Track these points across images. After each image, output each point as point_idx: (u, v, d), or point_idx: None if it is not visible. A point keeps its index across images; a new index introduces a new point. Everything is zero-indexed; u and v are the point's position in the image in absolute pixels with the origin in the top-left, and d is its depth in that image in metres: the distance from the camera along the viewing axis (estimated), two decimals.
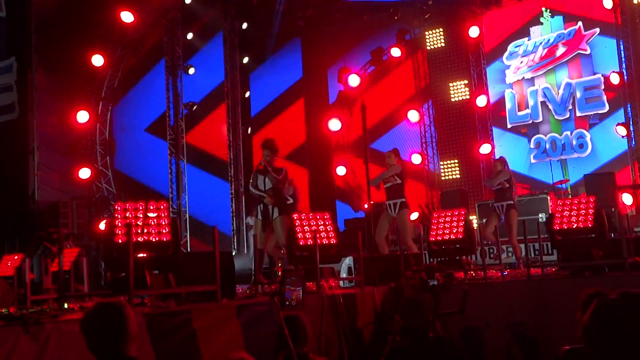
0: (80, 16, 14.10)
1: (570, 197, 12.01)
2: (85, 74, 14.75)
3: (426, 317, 4.83)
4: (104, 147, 15.45)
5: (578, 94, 14.04)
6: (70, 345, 4.14)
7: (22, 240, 12.84)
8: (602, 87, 13.74)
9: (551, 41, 14.42)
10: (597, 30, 13.96)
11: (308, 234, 7.13)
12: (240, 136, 17.08)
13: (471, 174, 15.15)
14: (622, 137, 13.18)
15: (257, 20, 16.97)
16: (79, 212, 13.87)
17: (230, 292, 6.25)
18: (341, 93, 16.48)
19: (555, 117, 14.28)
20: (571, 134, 14.07)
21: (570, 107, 14.14)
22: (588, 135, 13.90)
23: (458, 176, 15.37)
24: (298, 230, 7.17)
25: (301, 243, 7.11)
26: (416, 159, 15.34)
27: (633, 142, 13.20)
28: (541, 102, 14.43)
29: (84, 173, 13.93)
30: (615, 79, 13.16)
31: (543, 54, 14.49)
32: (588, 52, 14.06)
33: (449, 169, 15.51)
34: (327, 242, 7.20)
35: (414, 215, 13.50)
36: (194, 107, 16.52)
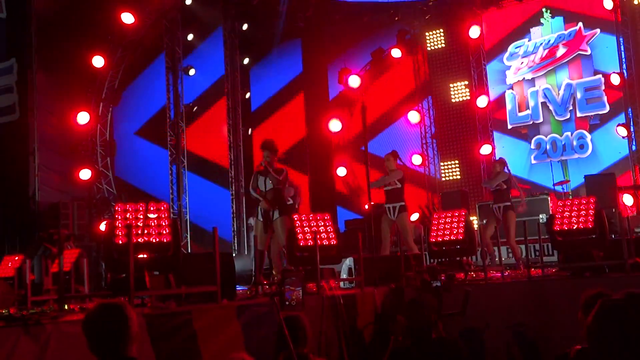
0: (81, 17, 14.12)
1: (570, 197, 12.00)
2: (85, 75, 14.78)
3: (429, 318, 4.82)
4: (104, 148, 15.47)
5: (578, 95, 14.03)
6: (70, 346, 4.15)
7: (22, 241, 12.83)
8: (603, 87, 13.74)
9: (551, 42, 14.42)
10: (598, 30, 13.95)
11: (308, 234, 7.13)
12: (240, 137, 17.08)
13: (472, 174, 15.13)
14: (623, 137, 13.17)
15: (257, 21, 16.98)
16: (80, 213, 13.88)
17: (230, 293, 6.25)
18: (341, 93, 16.47)
19: (556, 117, 14.27)
20: (572, 135, 14.06)
21: (571, 108, 14.13)
22: (588, 136, 13.89)
23: (458, 177, 15.36)
24: (298, 231, 7.18)
25: (301, 244, 7.11)
26: (417, 159, 15.34)
27: (634, 146, 13.15)
28: (541, 102, 14.42)
29: (85, 174, 13.94)
30: (615, 80, 13.15)
31: (543, 55, 14.48)
32: (588, 52, 14.05)
33: (450, 170, 15.50)
34: (327, 242, 7.21)
35: (415, 216, 13.50)
36: (194, 109, 16.53)
